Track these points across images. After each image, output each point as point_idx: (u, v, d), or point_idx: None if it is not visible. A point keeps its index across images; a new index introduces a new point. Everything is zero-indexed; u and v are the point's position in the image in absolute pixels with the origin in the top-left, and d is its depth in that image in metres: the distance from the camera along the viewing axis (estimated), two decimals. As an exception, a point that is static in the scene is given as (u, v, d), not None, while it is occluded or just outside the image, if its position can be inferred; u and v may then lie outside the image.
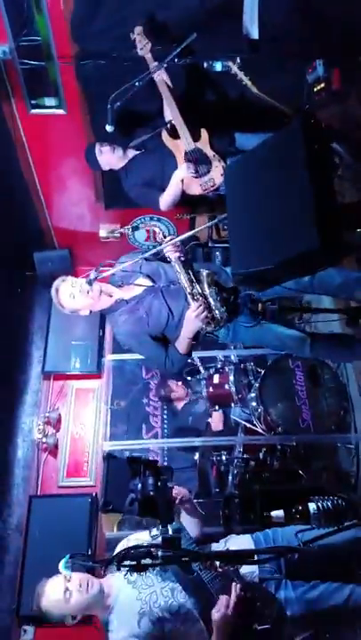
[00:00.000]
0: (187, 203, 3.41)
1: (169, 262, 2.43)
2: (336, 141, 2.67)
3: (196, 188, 2.93)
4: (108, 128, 2.76)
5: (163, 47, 2.71)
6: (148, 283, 2.50)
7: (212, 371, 3.16)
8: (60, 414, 4.23)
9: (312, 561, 2.01)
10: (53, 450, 4.11)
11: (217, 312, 2.36)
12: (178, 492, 2.05)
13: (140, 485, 1.51)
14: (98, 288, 2.41)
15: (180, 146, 2.85)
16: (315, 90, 2.94)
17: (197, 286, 2.37)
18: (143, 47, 2.62)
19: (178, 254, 2.38)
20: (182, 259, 2.39)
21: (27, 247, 4.50)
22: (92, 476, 3.99)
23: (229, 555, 1.84)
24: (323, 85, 2.89)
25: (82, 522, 3.61)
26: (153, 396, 4.03)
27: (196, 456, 3.44)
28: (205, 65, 2.74)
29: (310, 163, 1.51)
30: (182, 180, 2.89)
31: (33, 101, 3.35)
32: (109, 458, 1.66)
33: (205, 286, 2.36)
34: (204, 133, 2.86)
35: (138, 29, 2.64)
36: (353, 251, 2.03)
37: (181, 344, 2.44)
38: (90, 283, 2.37)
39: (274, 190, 1.66)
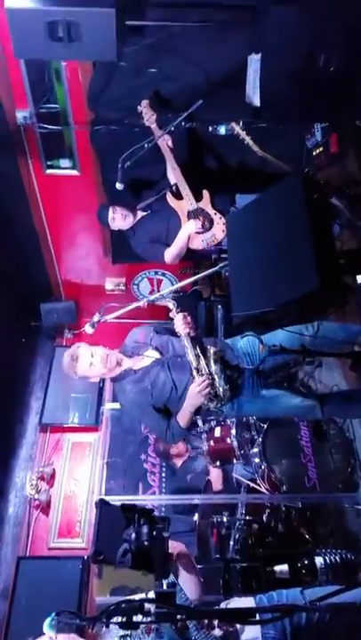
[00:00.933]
0: (190, 259, 3.52)
1: (179, 336, 2.48)
2: (335, 197, 2.79)
3: (198, 243, 3.06)
4: (119, 186, 2.92)
5: (169, 115, 2.91)
6: (157, 355, 2.56)
7: (213, 423, 3.08)
8: (54, 469, 4.10)
9: (320, 624, 1.83)
10: (45, 507, 3.95)
11: (220, 389, 2.38)
12: (174, 546, 1.94)
13: (134, 535, 1.43)
14: (115, 359, 2.49)
15: (184, 206, 3.02)
16: (314, 153, 3.13)
17: (203, 362, 2.41)
18: (149, 118, 2.83)
19: (188, 330, 2.43)
20: (192, 334, 2.45)
21: (34, 298, 4.59)
22: (84, 538, 3.79)
23: (229, 612, 1.68)
24: (321, 149, 3.07)
25: (72, 586, 3.39)
26: (151, 451, 3.91)
27: (196, 517, 3.27)
28: (210, 129, 2.93)
29: (309, 209, 1.58)
30: (188, 235, 3.02)
31: (49, 162, 3.57)
32: (102, 504, 1.58)
33: (211, 362, 2.40)
34: (205, 194, 3.03)
35: (144, 102, 2.85)
36: (353, 293, 2.05)
37: (183, 417, 2.47)
38: (93, 325, 2.40)
39: (274, 235, 1.72)
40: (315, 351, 2.01)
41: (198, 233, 3.01)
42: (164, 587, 1.37)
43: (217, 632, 1.76)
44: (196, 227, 2.97)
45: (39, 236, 4.10)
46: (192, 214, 3.00)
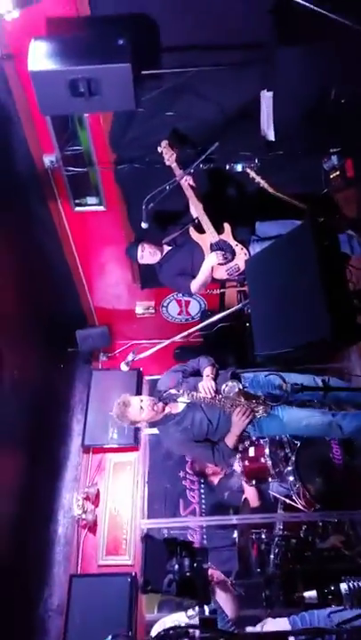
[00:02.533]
0: (216, 281, 3.66)
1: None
2: (351, 228, 2.87)
3: (222, 274, 3.21)
4: (144, 225, 3.09)
5: (188, 154, 3.07)
6: (187, 400, 2.85)
7: (246, 443, 3.17)
8: (98, 489, 4.28)
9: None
10: (92, 526, 4.13)
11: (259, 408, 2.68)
12: (212, 573, 2.11)
13: (177, 566, 1.57)
14: (161, 405, 2.83)
15: (206, 239, 3.16)
16: (331, 177, 3.21)
17: (228, 400, 2.75)
18: (169, 158, 2.99)
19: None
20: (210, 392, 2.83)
21: (70, 326, 4.82)
22: (131, 555, 3.95)
23: (264, 636, 1.80)
24: (338, 173, 3.16)
25: (122, 602, 3.55)
26: (189, 468, 4.04)
27: (235, 534, 3.39)
28: (227, 167, 3.07)
29: (320, 257, 1.69)
30: (212, 266, 3.16)
31: (77, 200, 3.78)
32: (147, 539, 1.73)
33: (235, 397, 2.73)
34: (226, 226, 3.18)
35: (164, 143, 3.01)
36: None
37: (231, 440, 2.86)
38: (128, 364, 2.61)
39: (289, 280, 1.84)
40: (335, 387, 2.11)
41: (221, 264, 3.15)
42: (207, 612, 1.50)
43: None
44: (218, 259, 3.12)
45: (71, 268, 4.33)
46: (214, 246, 3.14)
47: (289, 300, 1.82)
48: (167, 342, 2.94)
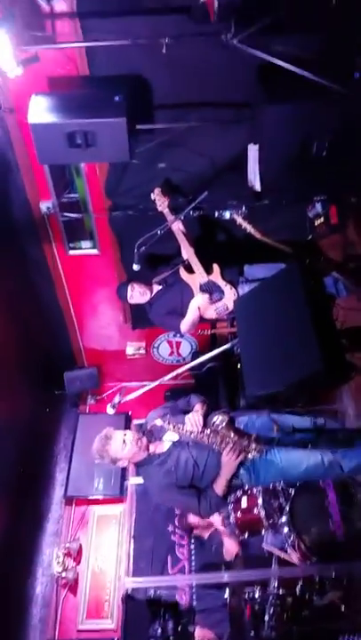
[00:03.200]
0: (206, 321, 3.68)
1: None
2: (336, 271, 2.95)
3: (211, 313, 3.24)
4: (135, 267, 3.14)
5: (179, 201, 3.19)
6: (175, 437, 2.67)
7: (238, 493, 3.05)
8: (80, 545, 4.05)
9: None
10: (73, 585, 3.87)
11: (253, 446, 2.46)
12: (202, 635, 1.92)
13: (160, 630, 1.44)
14: (146, 440, 2.62)
15: (196, 279, 3.22)
16: (316, 223, 3.34)
17: (219, 436, 2.53)
18: (161, 204, 3.10)
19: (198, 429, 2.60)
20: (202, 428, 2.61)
21: (58, 367, 4.74)
22: (114, 618, 3.67)
23: None
24: (322, 220, 3.29)
25: (102, 675, 3.26)
26: (178, 523, 3.85)
27: (227, 594, 3.17)
28: (216, 214, 3.19)
29: (308, 296, 1.72)
30: (199, 307, 3.19)
31: (71, 244, 3.86)
32: (128, 600, 1.61)
33: (225, 431, 2.51)
34: (215, 267, 3.25)
35: (157, 190, 3.12)
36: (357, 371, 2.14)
37: (220, 486, 2.56)
38: (114, 406, 2.51)
39: (279, 320, 1.85)
40: (329, 429, 2.07)
41: (211, 303, 3.19)
42: None
43: None
44: (204, 301, 3.15)
45: (63, 309, 4.35)
46: (204, 286, 3.19)
47: (278, 339, 1.82)
48: (156, 383, 2.85)
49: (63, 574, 3.83)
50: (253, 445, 2.44)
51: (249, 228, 3.06)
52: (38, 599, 3.77)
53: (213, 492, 2.58)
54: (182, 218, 3.05)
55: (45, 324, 4.38)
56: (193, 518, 3.57)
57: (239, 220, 3.05)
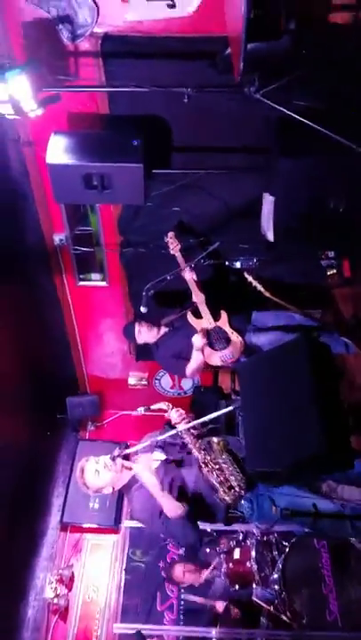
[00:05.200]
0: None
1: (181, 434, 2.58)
2: (347, 336, 2.92)
3: (216, 360, 3.22)
4: (143, 309, 3.13)
5: (191, 244, 3.19)
6: (162, 456, 2.60)
7: (232, 544, 3.04)
8: (73, 572, 4.05)
9: None
10: (64, 612, 3.88)
11: (233, 480, 2.40)
12: None
13: None
14: (120, 462, 2.54)
15: (203, 324, 3.20)
16: (328, 274, 3.31)
17: (209, 455, 2.47)
18: (174, 248, 3.09)
19: (184, 421, 2.56)
20: (190, 427, 2.53)
21: (61, 392, 4.76)
22: (102, 649, 3.69)
23: None
24: (335, 271, 3.26)
25: None
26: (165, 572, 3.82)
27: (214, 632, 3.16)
28: (227, 263, 3.17)
29: (315, 373, 1.69)
30: (201, 349, 3.17)
31: (81, 275, 3.88)
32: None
33: (218, 454, 2.45)
34: (223, 314, 3.22)
35: (170, 234, 3.12)
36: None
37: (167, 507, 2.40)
38: (113, 459, 2.49)
39: (282, 395, 1.83)
40: (327, 513, 2.05)
41: (216, 350, 3.17)
42: None
43: None
44: (202, 341, 3.12)
45: (69, 337, 4.36)
46: (211, 332, 3.17)
47: (281, 414, 1.80)
48: (137, 413, 2.75)
49: (55, 600, 3.84)
50: (235, 485, 2.37)
51: (258, 286, 3.04)
52: (30, 623, 3.80)
53: (168, 521, 2.42)
54: (193, 265, 3.03)
55: (51, 350, 4.40)
56: (178, 572, 3.54)
57: (249, 278, 3.03)
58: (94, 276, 3.87)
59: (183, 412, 2.62)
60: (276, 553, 3.06)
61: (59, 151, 2.65)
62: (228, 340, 3.19)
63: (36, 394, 4.30)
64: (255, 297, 3.34)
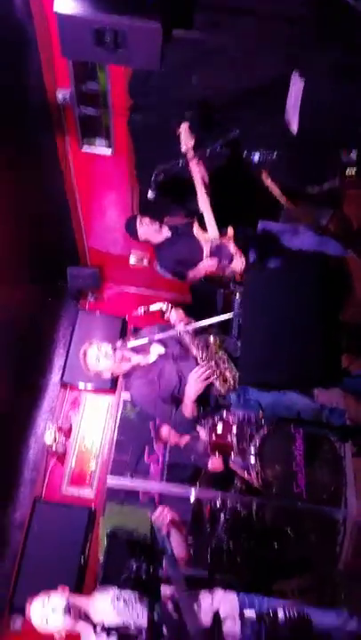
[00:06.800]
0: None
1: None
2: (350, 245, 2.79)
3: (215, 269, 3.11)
4: (150, 195, 2.93)
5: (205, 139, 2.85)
6: (162, 349, 2.70)
7: (216, 419, 3.32)
8: (71, 424, 4.48)
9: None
10: (61, 457, 4.38)
11: (227, 373, 2.54)
12: (172, 513, 2.24)
13: (134, 567, 1.71)
14: (120, 354, 2.63)
15: (208, 239, 3.02)
16: (347, 172, 3.05)
17: (205, 352, 2.56)
18: (186, 144, 2.79)
19: (184, 322, 2.61)
20: (190, 327, 2.60)
21: (60, 260, 4.73)
22: (93, 489, 4.26)
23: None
24: (355, 170, 3.00)
25: (79, 532, 3.89)
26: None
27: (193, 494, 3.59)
28: (245, 154, 2.87)
29: (321, 294, 1.67)
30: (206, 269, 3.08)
31: (85, 140, 3.54)
32: (112, 537, 1.87)
33: (214, 350, 2.55)
34: (230, 230, 3.03)
35: (184, 126, 2.78)
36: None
37: (186, 407, 2.64)
38: (114, 349, 2.57)
39: (287, 312, 1.82)
40: (309, 421, 2.16)
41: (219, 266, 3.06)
42: (155, 616, 1.66)
43: None
44: (212, 263, 3.02)
45: (70, 206, 4.16)
46: (214, 248, 3.02)
47: (282, 332, 1.80)
48: (139, 312, 2.79)
49: (53, 446, 4.31)
50: (228, 377, 2.52)
51: (275, 190, 2.77)
52: (30, 463, 4.32)
53: (180, 414, 2.67)
54: (207, 154, 2.74)
55: (51, 218, 4.23)
56: (165, 432, 3.90)
57: (268, 181, 2.76)
58: (99, 141, 3.54)
59: (182, 312, 2.62)
60: (254, 431, 3.35)
61: (69, -1, 2.23)
62: (231, 259, 3.04)
63: (36, 260, 4.26)
64: (266, 203, 3.09)
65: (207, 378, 2.55)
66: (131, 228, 3.23)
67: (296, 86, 2.41)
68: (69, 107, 3.26)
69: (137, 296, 4.92)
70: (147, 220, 3.16)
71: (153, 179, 2.83)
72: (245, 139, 2.86)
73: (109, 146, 3.55)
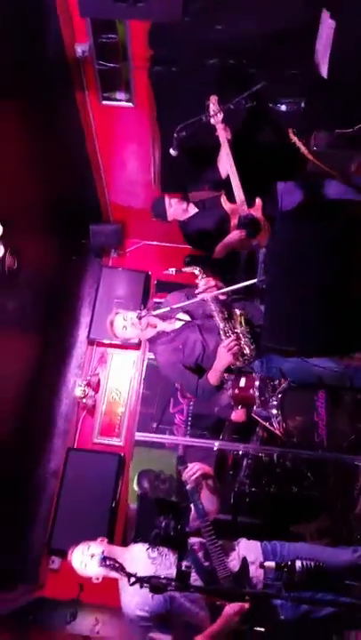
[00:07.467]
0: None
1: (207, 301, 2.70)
2: None
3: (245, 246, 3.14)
4: (173, 152, 2.90)
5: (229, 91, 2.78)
6: (187, 318, 2.78)
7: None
8: (99, 379, 4.67)
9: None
10: (91, 409, 4.60)
11: (246, 349, 2.62)
12: (203, 468, 2.41)
13: (164, 524, 1.88)
14: (146, 321, 2.74)
15: (236, 210, 3.01)
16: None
17: (230, 324, 2.63)
18: (215, 115, 2.75)
19: (213, 291, 2.65)
20: (219, 298, 2.67)
21: (84, 218, 4.75)
22: (122, 438, 4.49)
23: (222, 592, 2.15)
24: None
25: (109, 477, 4.14)
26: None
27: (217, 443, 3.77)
28: (271, 105, 2.78)
29: (347, 261, 1.68)
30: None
31: (105, 94, 3.48)
32: (142, 499, 2.03)
33: (238, 324, 2.63)
34: (258, 201, 3.01)
35: (213, 99, 2.74)
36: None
37: (213, 376, 2.75)
38: (140, 317, 2.66)
39: (311, 279, 1.83)
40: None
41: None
42: (183, 567, 1.84)
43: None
44: (240, 235, 3.03)
45: (91, 160, 4.13)
46: (242, 219, 3.00)
47: (306, 298, 1.82)
48: (170, 272, 2.87)
49: (83, 400, 4.52)
50: (249, 349, 2.59)
51: (302, 147, 2.70)
52: (62, 415, 4.56)
53: (206, 381, 2.79)
54: (232, 107, 2.68)
55: (73, 174, 4.22)
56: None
57: (294, 139, 2.67)
58: (119, 95, 3.47)
59: (213, 283, 2.66)
60: (277, 382, 3.45)
61: None
62: (258, 229, 3.02)
63: (58, 218, 4.31)
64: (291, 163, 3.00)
65: (234, 350, 2.63)
66: (159, 208, 3.23)
67: (326, 26, 2.31)
68: (89, 60, 3.19)
69: (159, 249, 4.94)
70: (175, 200, 3.16)
71: (175, 136, 2.80)
72: (271, 88, 2.77)
73: (130, 99, 3.48)
